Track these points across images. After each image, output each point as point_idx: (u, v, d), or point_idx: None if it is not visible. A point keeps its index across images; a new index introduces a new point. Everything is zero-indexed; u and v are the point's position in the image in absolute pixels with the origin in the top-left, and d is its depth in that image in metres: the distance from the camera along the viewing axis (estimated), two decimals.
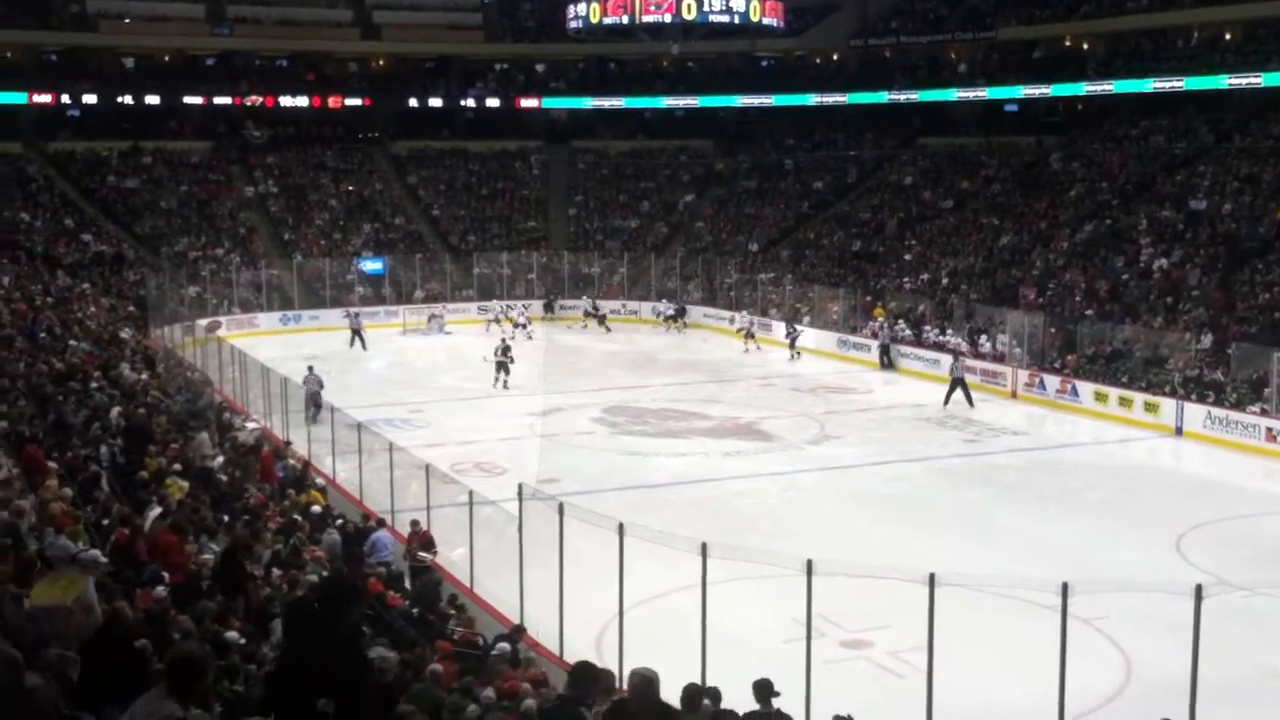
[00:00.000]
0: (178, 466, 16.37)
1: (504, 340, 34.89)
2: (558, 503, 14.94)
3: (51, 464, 14.63)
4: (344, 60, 57.07)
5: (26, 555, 9.46)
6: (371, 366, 38.09)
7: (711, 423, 29.21)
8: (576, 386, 33.31)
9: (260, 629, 10.48)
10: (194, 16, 53.90)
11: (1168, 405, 28.40)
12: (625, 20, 43.46)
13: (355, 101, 54.60)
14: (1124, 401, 29.46)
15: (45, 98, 49.64)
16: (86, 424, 18.15)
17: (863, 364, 37.28)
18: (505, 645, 12.71)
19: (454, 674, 11.04)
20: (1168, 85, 42.60)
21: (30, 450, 14.96)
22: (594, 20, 43.89)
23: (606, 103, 56.68)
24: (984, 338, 35.06)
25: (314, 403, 26.81)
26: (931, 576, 11.45)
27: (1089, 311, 34.62)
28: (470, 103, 56.18)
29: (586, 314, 45.47)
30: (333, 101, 54.09)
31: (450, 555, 17.26)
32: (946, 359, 33.04)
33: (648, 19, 43.36)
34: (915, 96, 51.23)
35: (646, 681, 7.71)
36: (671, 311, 44.98)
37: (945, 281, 40.89)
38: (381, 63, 57.73)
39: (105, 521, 12.91)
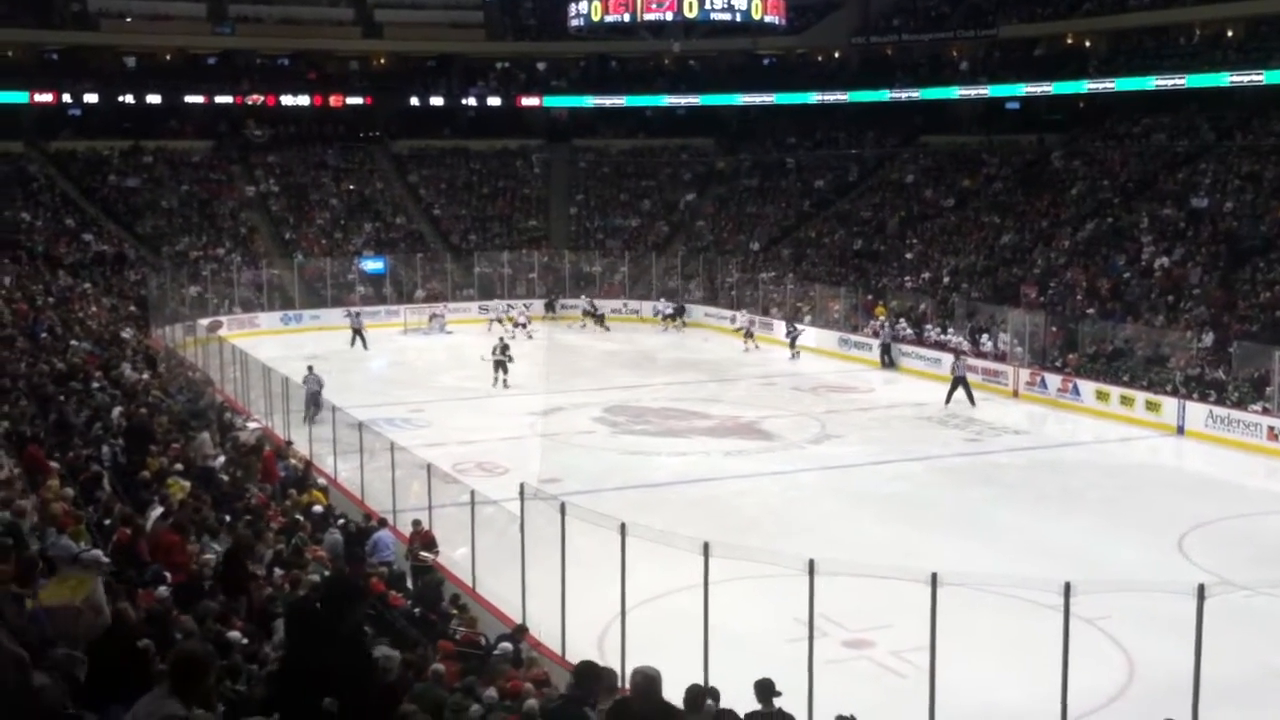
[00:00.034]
0: (179, 466, 16.38)
1: (501, 339, 34.89)
2: (559, 502, 14.95)
3: (53, 464, 14.64)
4: (345, 59, 57.05)
5: (28, 555, 9.44)
6: (373, 366, 38.10)
7: (713, 422, 29.20)
8: (577, 386, 33.30)
9: (262, 629, 10.48)
10: (195, 15, 53.90)
11: (1169, 404, 28.38)
12: (627, 18, 43.45)
13: (356, 100, 54.60)
14: (1125, 400, 29.44)
15: (46, 97, 49.63)
16: (88, 424, 18.15)
17: (864, 363, 37.26)
18: (507, 645, 12.71)
19: (456, 674, 11.04)
20: (1169, 83, 42.57)
21: (32, 450, 14.96)
22: (595, 18, 43.88)
23: (608, 101, 56.66)
24: (985, 336, 35.04)
25: (313, 402, 26.81)
26: (933, 576, 11.44)
27: (1090, 310, 34.60)
28: (471, 101, 56.17)
29: (585, 313, 45.46)
30: (334, 100, 54.10)
31: (452, 555, 17.25)
32: (948, 358, 33.02)
33: (649, 17, 43.36)
34: (917, 95, 51.22)
35: (648, 680, 7.71)
36: (670, 310, 44.96)
37: (946, 280, 40.88)
38: (383, 61, 57.73)
39: (107, 521, 12.91)
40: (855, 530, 20.19)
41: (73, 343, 25.94)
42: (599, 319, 44.96)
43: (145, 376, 24.14)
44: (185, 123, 52.89)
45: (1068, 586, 11.13)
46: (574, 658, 13.21)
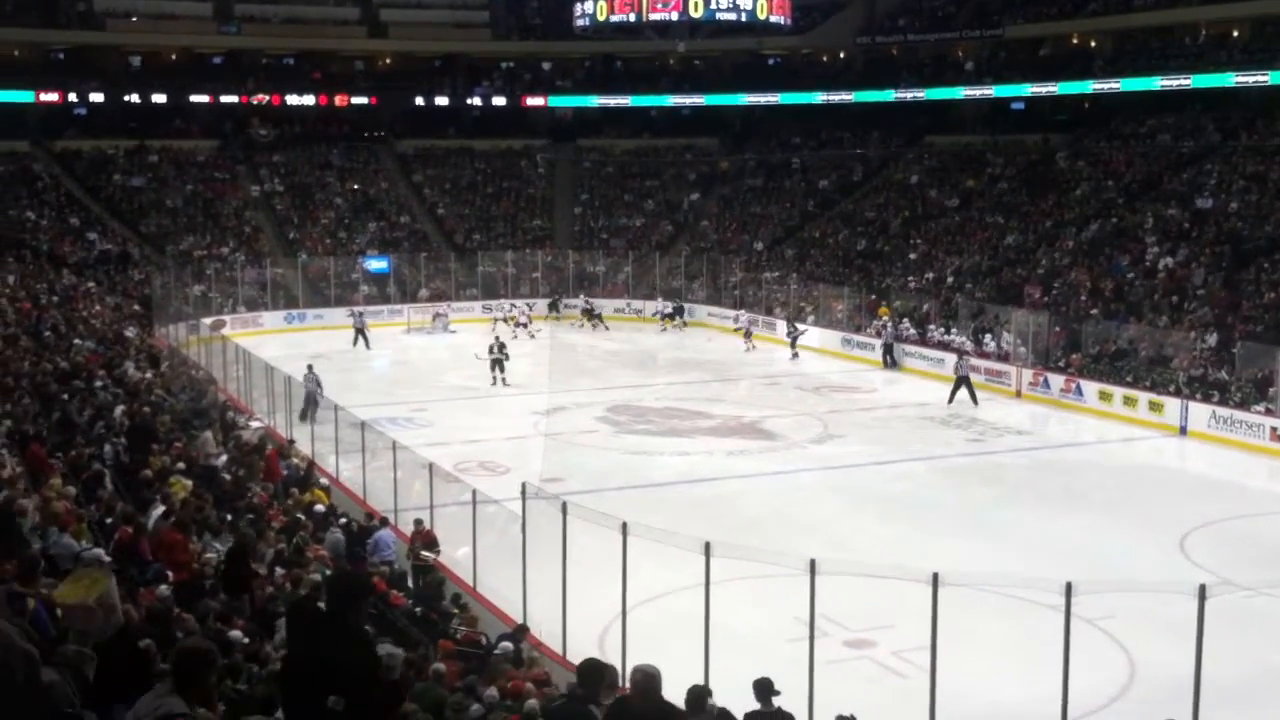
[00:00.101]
0: (182, 465, 16.41)
1: (498, 338, 34.93)
2: (561, 502, 14.96)
3: (55, 462, 14.66)
4: (350, 59, 57.08)
5: (30, 554, 9.46)
6: (375, 365, 38.14)
7: (715, 422, 29.20)
8: (580, 385, 33.30)
9: (264, 628, 10.49)
10: (201, 15, 53.96)
11: (1172, 405, 28.34)
12: (632, 18, 43.51)
13: (361, 100, 54.64)
14: (1128, 401, 29.41)
15: (52, 96, 49.71)
16: (90, 423, 18.17)
17: (867, 363, 37.24)
18: (508, 644, 12.72)
19: (457, 673, 11.06)
20: (1174, 83, 42.55)
21: (34, 449, 14.99)
22: (601, 18, 43.91)
23: (612, 101, 56.66)
24: (988, 337, 35.01)
25: (311, 401, 26.80)
26: (935, 576, 11.44)
27: (1094, 310, 34.57)
28: (476, 101, 56.21)
29: (583, 312, 45.43)
30: (339, 100, 54.16)
31: (454, 554, 17.26)
32: (951, 358, 32.99)
33: (655, 17, 43.42)
34: (922, 95, 51.20)
35: (648, 678, 7.70)
36: (669, 310, 44.95)
37: (950, 280, 40.86)
38: (388, 61, 57.78)
39: (109, 520, 12.93)
40: (857, 530, 20.19)
41: (76, 341, 25.98)
42: (597, 318, 44.96)
43: (148, 375, 24.16)
44: (190, 122, 52.96)
45: (1069, 587, 11.14)
46: (575, 657, 13.22)
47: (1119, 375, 30.86)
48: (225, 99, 52.49)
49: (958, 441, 27.47)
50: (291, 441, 22.54)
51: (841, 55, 56.62)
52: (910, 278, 42.28)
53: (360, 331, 39.92)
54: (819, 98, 53.67)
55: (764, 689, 10.03)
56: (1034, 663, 12.81)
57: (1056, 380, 31.50)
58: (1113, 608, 14.50)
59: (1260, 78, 39.97)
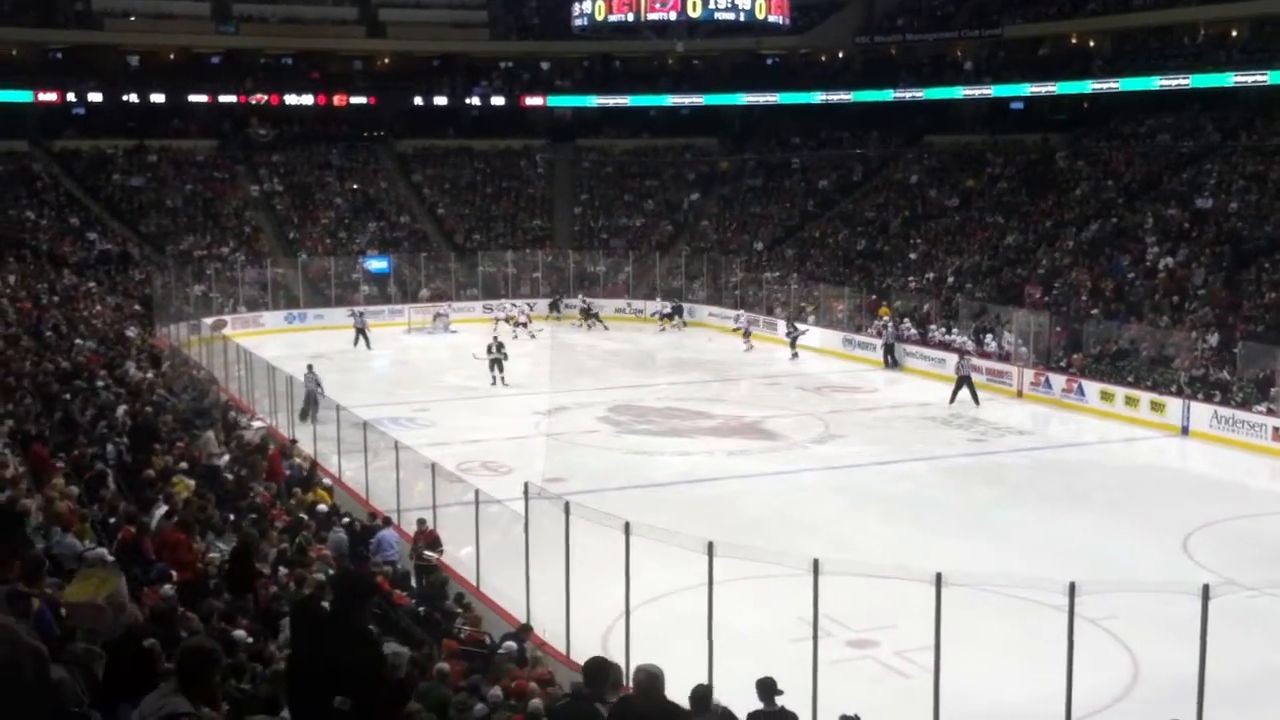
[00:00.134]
0: (184, 465, 16.40)
1: (495, 338, 34.93)
2: (564, 501, 14.96)
3: (58, 462, 14.66)
4: (349, 58, 57.04)
5: (34, 554, 9.45)
6: (376, 365, 38.13)
7: (716, 422, 29.19)
8: (581, 385, 33.30)
9: (267, 628, 10.49)
10: (199, 15, 53.95)
11: (1174, 404, 28.34)
12: (630, 18, 43.47)
13: (360, 100, 54.61)
14: (1130, 401, 29.41)
15: (50, 96, 49.67)
16: (93, 422, 18.16)
17: (868, 363, 37.23)
18: (512, 644, 12.72)
19: (461, 673, 11.05)
20: (1174, 83, 42.56)
21: (36, 449, 14.98)
22: (599, 18, 43.87)
23: (611, 101, 56.65)
24: (989, 337, 35.01)
25: (312, 401, 26.79)
26: (938, 576, 11.43)
27: (1095, 310, 34.57)
28: (475, 101, 56.19)
29: (581, 312, 45.40)
30: (338, 100, 54.13)
31: (457, 554, 17.27)
32: (952, 358, 32.97)
33: (653, 16, 43.39)
34: (921, 94, 51.21)
35: (651, 678, 7.69)
36: (668, 310, 44.93)
37: (950, 280, 40.86)
38: (386, 61, 57.76)
39: (112, 520, 12.93)
40: (859, 530, 20.19)
41: (77, 341, 25.96)
42: (594, 317, 44.93)
43: (150, 375, 24.15)
44: (189, 122, 52.94)
45: (1072, 587, 11.13)
46: (578, 657, 13.23)
47: (1120, 375, 30.86)
48: (224, 99, 52.46)
49: (959, 441, 27.47)
50: (294, 441, 22.53)
51: (840, 55, 56.62)
52: (911, 278, 42.28)
53: (361, 331, 39.92)
54: (818, 97, 53.68)
55: (767, 689, 10.03)
56: (1037, 663, 12.80)
57: (1058, 380, 31.50)
58: (1115, 608, 14.51)
59: (1259, 77, 39.98)
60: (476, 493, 17.21)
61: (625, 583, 13.73)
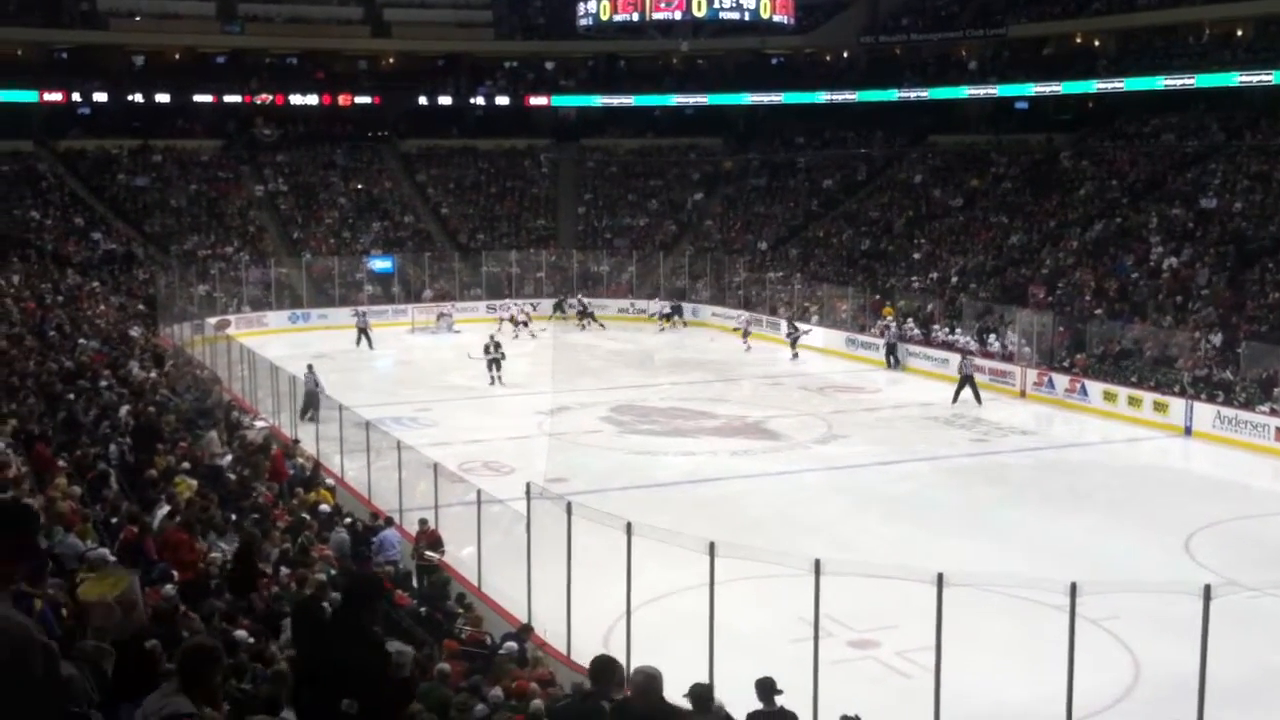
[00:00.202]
0: (187, 465, 16.42)
1: (493, 337, 34.96)
2: (566, 502, 14.97)
3: (60, 462, 14.68)
4: (354, 58, 57.09)
5: (39, 556, 9.46)
6: (379, 365, 38.16)
7: (719, 422, 29.19)
8: (584, 385, 33.31)
9: (269, 628, 10.50)
10: (204, 14, 54.00)
11: (1177, 405, 28.32)
12: (635, 17, 43.49)
13: (365, 100, 54.64)
14: (1133, 401, 29.38)
15: (55, 96, 49.73)
16: (96, 422, 18.19)
17: (871, 363, 37.22)
18: (513, 644, 12.73)
19: (461, 673, 11.07)
20: (1178, 83, 42.51)
21: (39, 448, 15.01)
22: (604, 17, 43.88)
23: (616, 101, 56.63)
24: (993, 337, 34.99)
25: (312, 401, 26.81)
26: (939, 576, 11.43)
27: (1098, 310, 34.54)
28: (479, 101, 56.21)
29: (578, 313, 45.37)
30: (342, 100, 54.15)
31: (458, 554, 17.29)
32: (954, 358, 32.97)
33: (658, 16, 43.41)
34: (925, 94, 51.18)
35: (649, 679, 7.70)
36: (667, 309, 44.91)
37: (954, 280, 40.84)
38: (391, 61, 57.80)
39: (114, 520, 12.95)
40: (861, 530, 20.19)
41: (81, 341, 26.01)
42: (589, 316, 44.91)
43: (153, 375, 24.18)
44: (194, 122, 53.00)
45: (1074, 587, 11.12)
46: (580, 657, 13.25)
47: (1124, 375, 30.84)
48: (229, 99, 52.49)
49: (962, 442, 27.46)
50: (296, 441, 22.58)
51: (845, 55, 56.58)
52: (914, 277, 42.27)
53: (363, 331, 39.94)
54: (823, 97, 53.64)
55: (766, 688, 10.04)
56: (1038, 663, 12.80)
57: (1061, 380, 31.48)
58: (1117, 608, 14.50)
59: (1264, 77, 39.93)
60: (478, 493, 17.23)
61: (627, 583, 13.75)
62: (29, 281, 34.76)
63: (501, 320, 43.10)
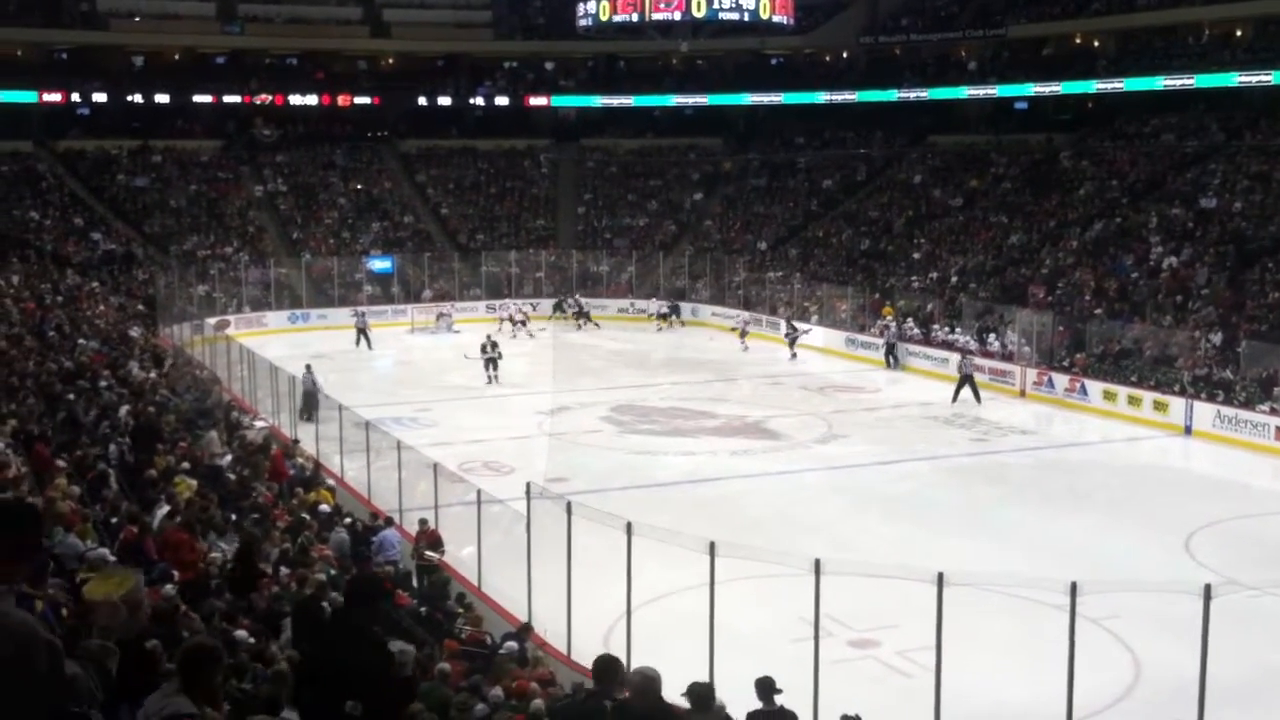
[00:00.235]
0: (186, 465, 16.42)
1: (489, 336, 34.97)
2: (566, 501, 14.97)
3: (60, 462, 14.66)
4: (353, 59, 57.09)
5: (41, 556, 9.46)
6: (379, 365, 38.16)
7: (719, 421, 29.19)
8: (583, 385, 33.30)
9: (269, 628, 10.50)
10: (204, 15, 54.00)
11: (1177, 404, 28.32)
12: (635, 18, 43.49)
13: (364, 100, 54.65)
14: (1133, 400, 29.39)
15: (55, 96, 49.71)
16: (95, 422, 18.18)
17: (871, 363, 37.22)
18: (513, 644, 12.73)
19: (461, 673, 11.06)
20: (1178, 83, 42.53)
21: (39, 448, 15.00)
22: (604, 18, 43.88)
23: (615, 101, 56.63)
24: (992, 336, 34.99)
25: (311, 401, 26.81)
26: (939, 576, 11.44)
27: (1098, 310, 34.55)
28: (479, 101, 56.21)
29: (574, 313, 45.34)
30: (342, 100, 54.15)
31: (458, 554, 17.29)
32: (954, 358, 32.97)
33: (657, 16, 43.41)
34: (925, 94, 51.19)
35: (647, 680, 7.70)
36: (665, 309, 44.89)
37: (954, 280, 40.85)
38: (390, 61, 57.80)
39: (114, 520, 12.94)
40: (861, 530, 20.19)
41: (80, 341, 26.01)
42: (584, 316, 44.89)
43: (153, 375, 24.18)
44: (193, 122, 53.00)
45: (1074, 586, 11.12)
46: (580, 657, 13.26)
47: (1123, 375, 30.84)
48: (228, 99, 52.49)
49: (962, 441, 27.47)
50: (296, 441, 22.58)
51: (844, 55, 56.59)
52: (914, 277, 42.27)
53: (362, 332, 39.95)
54: (822, 97, 53.65)
55: (766, 688, 10.04)
56: (1038, 662, 12.79)
57: (1061, 380, 31.48)
58: (1117, 607, 14.50)
59: (1264, 77, 39.94)
60: (478, 493, 17.23)
61: (627, 583, 13.74)
62: (29, 282, 34.75)
63: (500, 320, 43.09)
